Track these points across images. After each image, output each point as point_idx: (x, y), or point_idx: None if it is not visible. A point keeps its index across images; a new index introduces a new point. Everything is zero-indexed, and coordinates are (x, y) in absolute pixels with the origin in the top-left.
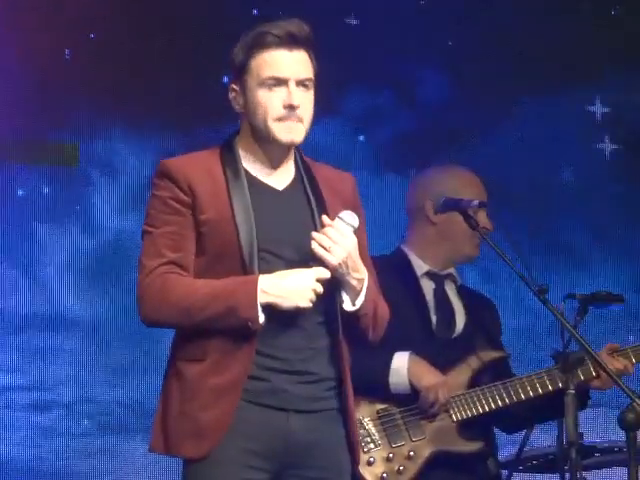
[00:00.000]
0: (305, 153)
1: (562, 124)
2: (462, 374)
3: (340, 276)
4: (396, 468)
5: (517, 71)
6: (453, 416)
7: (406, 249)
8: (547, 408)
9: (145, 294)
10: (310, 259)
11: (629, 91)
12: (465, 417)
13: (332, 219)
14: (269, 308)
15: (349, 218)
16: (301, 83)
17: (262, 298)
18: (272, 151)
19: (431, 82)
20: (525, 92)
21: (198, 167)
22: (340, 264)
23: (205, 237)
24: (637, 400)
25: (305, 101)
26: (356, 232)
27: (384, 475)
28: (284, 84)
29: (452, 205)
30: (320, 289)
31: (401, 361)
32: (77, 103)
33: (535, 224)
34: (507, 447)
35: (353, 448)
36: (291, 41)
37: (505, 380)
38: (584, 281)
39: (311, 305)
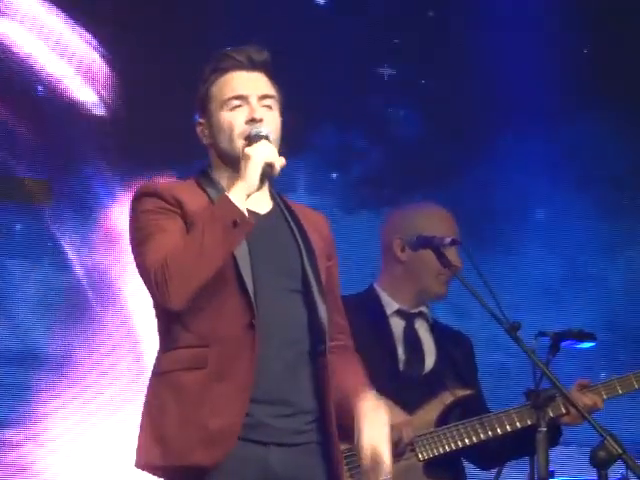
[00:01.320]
0: (277, 189)
1: (534, 161)
2: (430, 412)
3: None
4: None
5: (491, 107)
6: (419, 455)
7: (377, 287)
8: (519, 444)
9: (154, 279)
10: (295, 283)
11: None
12: (431, 456)
13: (313, 247)
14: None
15: None
16: (263, 99)
17: (232, 193)
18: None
19: (403, 119)
20: (496, 129)
21: (180, 188)
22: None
23: None
24: (609, 438)
25: (269, 118)
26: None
27: None
28: (245, 102)
29: (425, 243)
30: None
31: None
32: (50, 139)
33: (507, 261)
34: None
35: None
36: (249, 64)
37: (473, 418)
38: (556, 319)
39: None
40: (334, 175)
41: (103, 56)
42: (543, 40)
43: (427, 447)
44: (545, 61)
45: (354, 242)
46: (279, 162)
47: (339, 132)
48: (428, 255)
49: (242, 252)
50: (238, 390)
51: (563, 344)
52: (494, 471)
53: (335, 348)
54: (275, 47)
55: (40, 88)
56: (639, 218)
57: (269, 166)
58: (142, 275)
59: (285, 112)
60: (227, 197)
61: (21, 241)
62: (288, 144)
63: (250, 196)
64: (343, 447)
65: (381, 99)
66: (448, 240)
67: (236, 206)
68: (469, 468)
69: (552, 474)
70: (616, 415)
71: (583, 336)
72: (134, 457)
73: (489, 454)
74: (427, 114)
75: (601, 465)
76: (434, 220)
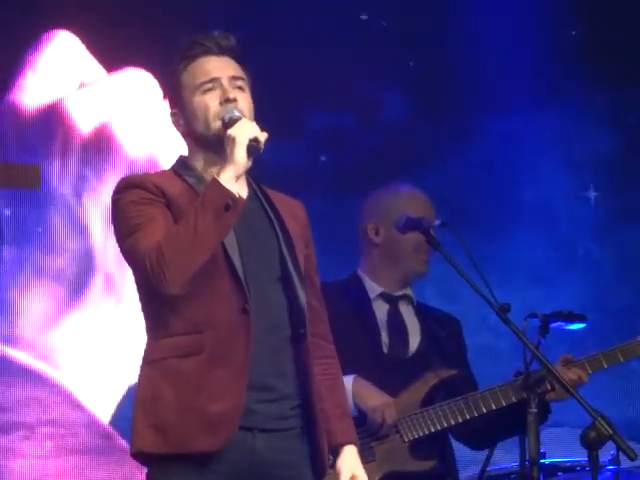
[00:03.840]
0: (266, 174)
1: (524, 142)
2: (415, 393)
3: None
4: None
5: (478, 90)
6: (404, 436)
7: (360, 272)
8: (508, 423)
9: (147, 267)
10: (275, 269)
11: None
12: (415, 437)
13: (290, 233)
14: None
15: None
16: (233, 80)
17: (220, 176)
18: (222, 156)
19: (392, 103)
20: (484, 111)
21: (159, 178)
22: None
23: None
24: (599, 419)
25: (242, 99)
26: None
27: None
28: (217, 84)
29: (413, 225)
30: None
31: (345, 383)
32: (42, 124)
33: (497, 243)
34: (470, 467)
35: (319, 466)
36: (217, 49)
37: (457, 398)
38: (546, 300)
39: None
40: (322, 158)
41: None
42: (531, 22)
43: (411, 428)
44: (533, 43)
45: (342, 226)
46: (263, 136)
47: (328, 115)
48: (403, 235)
49: (230, 238)
50: (236, 374)
51: (553, 325)
52: (485, 452)
53: (321, 368)
54: (262, 32)
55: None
56: (627, 198)
57: (254, 141)
58: (134, 263)
59: (272, 96)
60: (217, 180)
61: (10, 226)
62: (277, 128)
63: (240, 176)
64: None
65: (369, 82)
66: (437, 222)
67: (227, 189)
68: (461, 449)
69: (543, 455)
70: (605, 394)
71: (573, 317)
72: (129, 445)
73: (479, 434)
74: (415, 96)
75: (592, 446)
76: (406, 202)
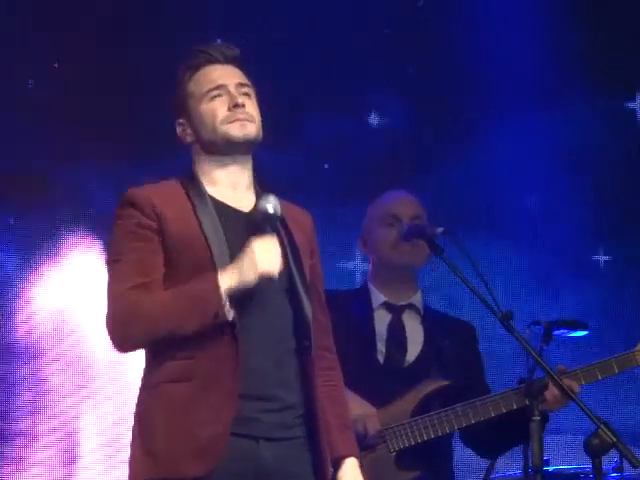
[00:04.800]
0: (268, 182)
1: (526, 147)
2: (407, 403)
3: None
4: None
5: (479, 95)
6: (389, 446)
7: (368, 282)
8: (514, 431)
9: (115, 314)
10: (280, 280)
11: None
12: (401, 447)
13: (297, 245)
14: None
15: None
16: (240, 87)
17: (224, 282)
18: (230, 167)
19: (393, 108)
20: (488, 115)
21: (162, 193)
22: None
23: (176, 258)
24: (602, 426)
25: (249, 104)
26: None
27: None
28: (224, 91)
29: (416, 233)
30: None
31: None
32: (44, 134)
33: (498, 249)
34: (474, 474)
35: (322, 477)
36: (222, 58)
37: (454, 406)
38: (549, 307)
39: (276, 271)
40: (326, 165)
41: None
42: (532, 26)
43: (397, 438)
44: (534, 46)
45: (345, 232)
46: (277, 272)
47: (328, 122)
48: (374, 235)
49: (222, 257)
50: (225, 397)
51: (556, 333)
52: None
53: (324, 379)
54: (263, 39)
55: (30, 82)
56: (631, 204)
57: (266, 275)
58: (107, 296)
59: (273, 104)
60: (217, 284)
61: (15, 235)
62: (277, 134)
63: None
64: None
65: (370, 87)
66: (440, 230)
67: (221, 299)
68: (464, 457)
69: (546, 463)
70: (610, 401)
71: (576, 325)
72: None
73: (484, 442)
74: (416, 101)
75: (595, 453)
76: (381, 205)
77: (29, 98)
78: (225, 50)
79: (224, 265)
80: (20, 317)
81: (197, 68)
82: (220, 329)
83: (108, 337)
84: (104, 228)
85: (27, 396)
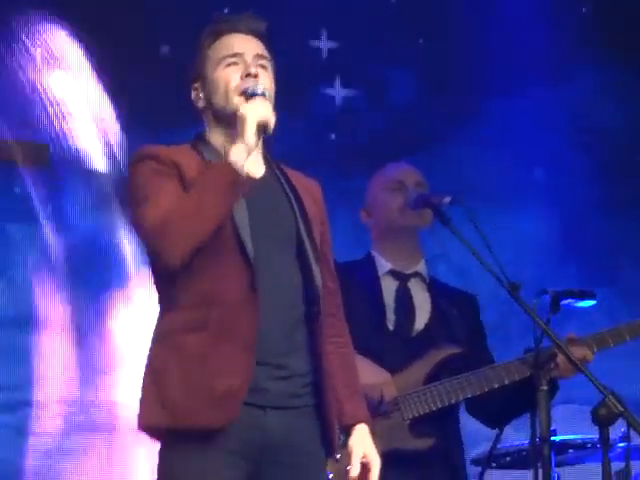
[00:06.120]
0: (274, 152)
1: (532, 119)
2: (418, 371)
3: None
4: (345, 469)
5: (489, 69)
6: (404, 414)
7: (372, 251)
8: (520, 400)
9: (149, 229)
10: (290, 246)
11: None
12: (415, 415)
13: (307, 211)
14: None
15: None
16: (258, 58)
17: (233, 151)
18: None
19: (402, 81)
20: (495, 88)
21: (176, 151)
22: None
23: None
24: (610, 396)
25: (264, 77)
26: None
27: (330, 477)
28: (240, 60)
29: (423, 202)
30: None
31: None
32: (50, 102)
33: (506, 220)
34: (481, 444)
35: (329, 445)
36: (245, 28)
37: (463, 375)
38: (556, 278)
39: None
40: (332, 136)
41: None
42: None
43: (412, 406)
44: (543, 21)
45: (352, 205)
46: (272, 119)
47: (337, 93)
48: (379, 201)
49: (241, 214)
50: (243, 352)
51: (563, 302)
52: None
53: (333, 347)
54: (270, 10)
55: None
56: (638, 175)
57: (263, 124)
58: (140, 233)
59: (280, 74)
60: (227, 155)
61: (20, 204)
62: (285, 108)
63: (250, 154)
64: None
65: (379, 60)
66: (447, 199)
67: (234, 164)
68: (470, 426)
69: (554, 433)
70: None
71: (583, 294)
72: (136, 420)
73: (491, 411)
74: (424, 73)
75: (602, 423)
76: (384, 174)
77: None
78: (250, 21)
79: (242, 220)
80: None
81: (218, 35)
82: (237, 277)
83: (159, 259)
84: None
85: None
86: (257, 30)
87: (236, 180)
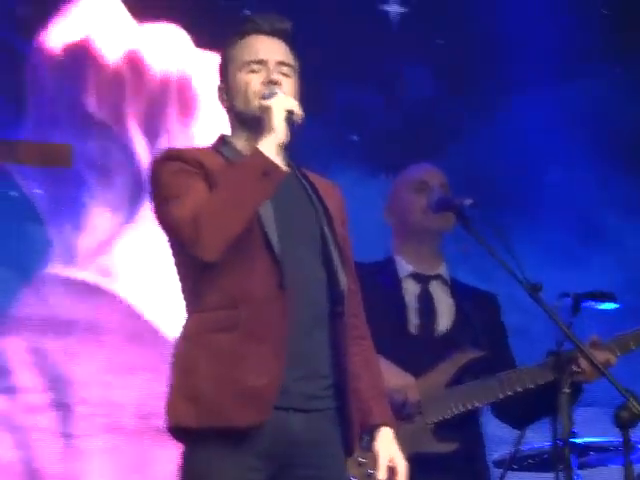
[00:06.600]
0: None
1: (550, 119)
2: (441, 374)
3: None
4: (367, 472)
5: (504, 67)
6: (427, 417)
7: (393, 254)
8: (544, 403)
9: (197, 222)
10: (314, 246)
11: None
12: (439, 418)
13: (330, 212)
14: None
15: None
16: (280, 65)
17: (262, 143)
18: (260, 134)
19: (422, 80)
20: (512, 88)
21: (199, 151)
22: None
23: None
24: (631, 398)
25: (286, 84)
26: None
27: None
28: (264, 66)
29: (445, 205)
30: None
31: None
32: (71, 103)
33: (525, 222)
34: (500, 446)
35: (349, 447)
36: (269, 30)
37: (486, 379)
38: (577, 280)
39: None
40: (353, 137)
41: None
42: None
43: (435, 409)
44: (562, 21)
45: (373, 206)
46: (298, 108)
47: (356, 92)
48: (403, 202)
49: (267, 212)
50: (273, 350)
51: (584, 305)
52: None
53: (356, 348)
54: (292, 10)
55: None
56: None
57: (290, 113)
58: (171, 230)
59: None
60: (257, 149)
61: (42, 206)
62: (305, 106)
63: (280, 147)
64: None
65: (397, 59)
66: (468, 202)
67: (266, 156)
68: (492, 429)
69: (575, 435)
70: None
71: (604, 297)
72: (164, 419)
73: (514, 414)
74: (441, 73)
75: (624, 425)
76: (406, 177)
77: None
78: (274, 22)
79: (268, 218)
80: None
81: (242, 36)
82: (265, 276)
83: (195, 253)
84: None
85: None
86: (281, 31)
87: (267, 169)
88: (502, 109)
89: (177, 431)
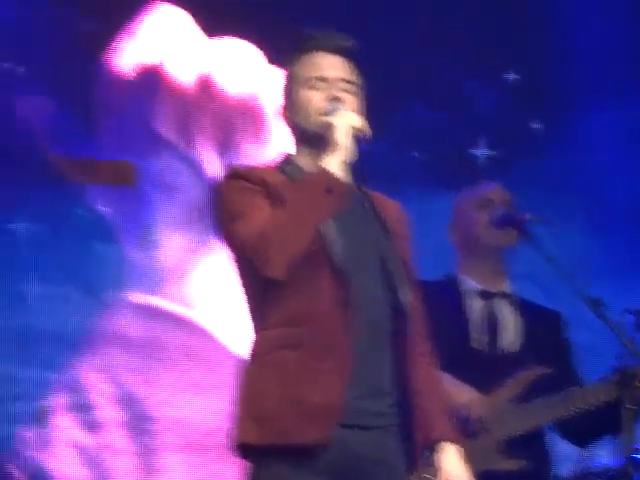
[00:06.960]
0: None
1: (616, 140)
2: (507, 391)
3: None
4: None
5: (571, 88)
6: (493, 434)
7: (457, 271)
8: (610, 420)
9: (264, 239)
10: (377, 263)
11: None
12: (506, 436)
13: (390, 231)
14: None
15: None
16: (344, 83)
17: (326, 160)
18: (323, 151)
19: (481, 96)
20: (579, 109)
21: (263, 170)
22: None
23: None
24: None
25: (349, 101)
26: None
27: None
28: (327, 83)
29: (507, 220)
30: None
31: None
32: (136, 122)
33: (589, 237)
34: (563, 463)
35: (410, 463)
36: (334, 48)
37: (551, 396)
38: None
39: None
40: (415, 154)
41: None
42: (619, 18)
43: (502, 426)
44: (620, 41)
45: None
46: (364, 125)
47: (420, 110)
48: (467, 218)
49: (331, 231)
50: (337, 368)
51: None
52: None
53: (420, 365)
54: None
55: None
56: None
57: (356, 129)
58: (237, 248)
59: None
60: (321, 166)
61: (107, 223)
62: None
63: (344, 164)
64: None
65: (460, 76)
66: (529, 216)
67: (329, 173)
68: (561, 445)
69: (638, 451)
70: None
71: None
72: (229, 438)
73: (580, 432)
74: (505, 91)
75: None
76: (468, 199)
77: None
78: (338, 40)
79: (331, 235)
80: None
81: (306, 51)
82: (329, 293)
83: (263, 270)
84: None
85: None
86: (346, 49)
87: (330, 186)
88: (569, 128)
89: (243, 449)
